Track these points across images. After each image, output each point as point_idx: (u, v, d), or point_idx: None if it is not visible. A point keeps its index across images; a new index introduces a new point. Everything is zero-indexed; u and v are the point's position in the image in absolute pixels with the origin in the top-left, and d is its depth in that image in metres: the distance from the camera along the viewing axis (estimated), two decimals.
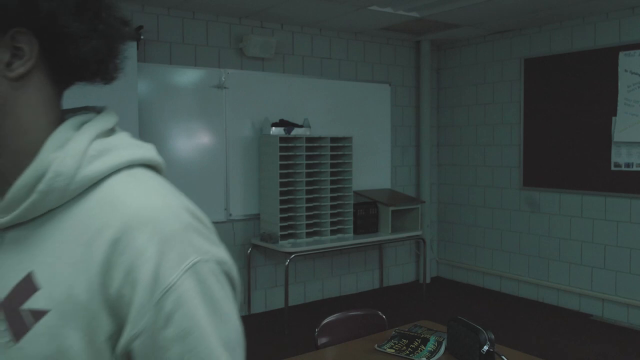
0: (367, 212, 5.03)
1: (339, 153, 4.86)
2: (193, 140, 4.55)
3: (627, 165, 4.45)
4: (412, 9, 4.53)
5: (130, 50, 4.14)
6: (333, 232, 4.80)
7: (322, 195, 4.78)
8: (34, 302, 0.64)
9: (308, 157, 4.66)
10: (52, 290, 0.64)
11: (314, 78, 5.17)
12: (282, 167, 4.53)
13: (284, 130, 4.67)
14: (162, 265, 0.62)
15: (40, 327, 0.64)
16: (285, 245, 4.45)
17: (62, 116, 0.73)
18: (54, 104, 0.72)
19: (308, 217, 4.69)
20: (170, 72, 4.42)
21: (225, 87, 4.64)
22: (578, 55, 4.77)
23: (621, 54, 4.44)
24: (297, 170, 4.66)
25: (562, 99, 4.89)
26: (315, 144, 4.75)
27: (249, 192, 4.80)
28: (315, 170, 4.77)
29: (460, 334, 1.90)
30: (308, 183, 4.67)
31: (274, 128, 4.65)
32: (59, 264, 0.65)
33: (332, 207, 4.78)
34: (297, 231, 4.64)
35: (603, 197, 4.65)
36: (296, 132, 4.70)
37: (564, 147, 4.88)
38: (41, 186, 0.65)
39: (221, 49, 4.66)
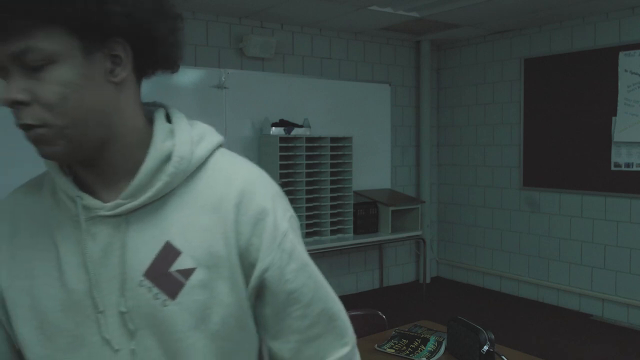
0: (367, 212, 5.03)
1: (339, 153, 4.86)
2: None
3: (627, 165, 4.45)
4: (412, 9, 4.53)
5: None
6: (333, 232, 4.80)
7: (322, 195, 4.78)
8: (181, 264, 0.78)
9: (308, 157, 4.66)
10: (193, 252, 0.79)
11: (314, 78, 5.17)
12: (282, 167, 4.52)
13: (284, 130, 4.67)
14: (277, 217, 0.82)
15: (193, 281, 0.78)
16: None
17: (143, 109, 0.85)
18: (140, 99, 0.84)
19: (308, 217, 4.69)
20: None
21: (225, 87, 4.64)
22: (578, 55, 4.77)
23: (621, 54, 4.44)
24: (297, 170, 4.66)
25: (562, 99, 4.89)
26: (315, 144, 4.75)
27: None
28: (315, 170, 4.77)
29: (460, 334, 1.90)
30: (308, 183, 4.67)
31: (274, 128, 4.65)
32: (191, 231, 0.79)
33: (332, 207, 4.78)
34: None
35: (603, 197, 4.65)
36: (296, 132, 4.70)
37: (564, 147, 4.88)
38: (170, 169, 0.78)
39: (221, 49, 4.66)
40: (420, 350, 1.96)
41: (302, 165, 4.62)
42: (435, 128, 6.07)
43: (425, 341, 2.01)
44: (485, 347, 1.76)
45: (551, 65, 4.97)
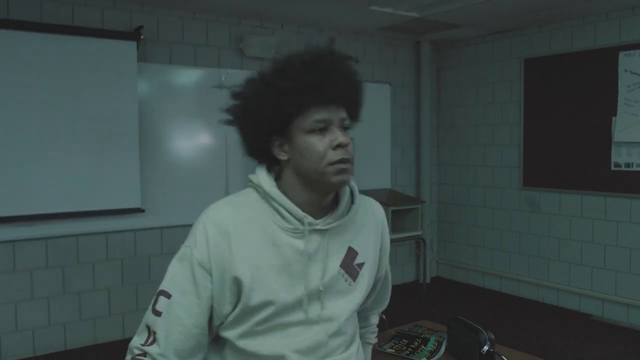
0: None
1: None
2: (193, 140, 4.55)
3: (627, 165, 4.45)
4: (412, 9, 4.53)
5: (130, 50, 4.14)
6: None
7: None
8: (358, 260, 1.33)
9: None
10: (364, 253, 1.34)
11: None
12: None
13: None
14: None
15: (364, 271, 1.34)
16: None
17: None
18: None
19: None
20: (170, 72, 4.42)
21: (225, 87, 4.64)
22: (578, 55, 4.77)
23: (621, 54, 4.44)
24: None
25: (562, 99, 4.88)
26: None
27: None
28: None
29: (460, 334, 1.89)
30: None
31: None
32: (364, 240, 1.36)
33: None
34: None
35: (603, 197, 4.65)
36: None
37: (564, 147, 4.88)
38: (356, 202, 1.35)
39: (221, 48, 4.66)
40: (421, 351, 1.96)
41: None
42: (435, 128, 6.07)
43: (425, 341, 2.01)
44: (486, 347, 1.76)
45: (551, 65, 4.97)
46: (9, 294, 3.86)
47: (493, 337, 1.79)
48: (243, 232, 1.22)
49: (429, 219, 5.88)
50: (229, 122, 1.33)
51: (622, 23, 4.49)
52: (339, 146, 1.21)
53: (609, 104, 4.52)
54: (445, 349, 1.97)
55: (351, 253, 1.31)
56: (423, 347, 1.98)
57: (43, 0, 3.88)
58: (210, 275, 1.19)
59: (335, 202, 1.32)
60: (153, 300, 1.23)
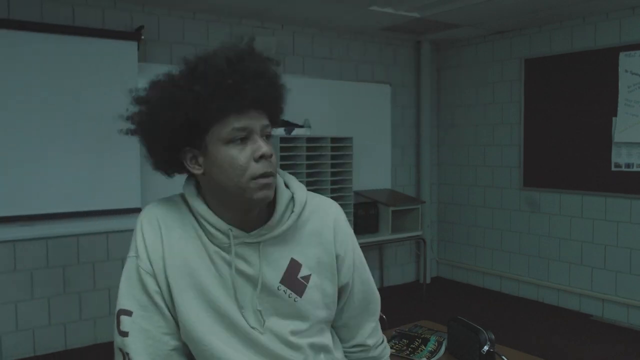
0: (367, 212, 5.03)
1: (339, 153, 4.86)
2: None
3: (628, 165, 4.46)
4: (412, 9, 4.54)
5: (131, 50, 4.15)
6: None
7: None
8: (302, 272, 1.19)
9: (308, 157, 4.66)
10: (308, 263, 1.19)
11: (314, 78, 5.17)
12: (282, 167, 4.52)
13: (285, 130, 4.67)
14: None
15: (311, 284, 1.19)
16: None
17: None
18: None
19: None
20: None
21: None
22: (578, 55, 4.77)
23: (621, 55, 4.45)
24: (298, 171, 4.66)
25: (563, 99, 4.89)
26: (315, 144, 4.75)
27: None
28: (316, 170, 4.77)
29: (460, 334, 1.90)
30: (308, 183, 4.67)
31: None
32: (307, 248, 1.20)
33: None
34: None
35: (603, 198, 4.65)
36: (297, 132, 4.70)
37: (564, 147, 4.89)
38: (296, 210, 1.19)
39: None
40: (421, 350, 1.96)
41: (303, 165, 4.62)
42: (435, 128, 6.07)
43: (425, 341, 2.01)
44: (486, 347, 1.76)
45: (551, 65, 4.98)
46: (9, 294, 3.86)
47: (493, 337, 1.79)
48: (176, 234, 1.16)
49: (429, 219, 5.88)
50: (131, 132, 1.16)
51: (623, 23, 4.49)
52: (262, 157, 1.10)
53: (609, 104, 4.53)
54: (446, 349, 1.97)
55: (294, 266, 1.18)
56: (423, 347, 1.98)
57: (44, 1, 3.88)
58: (156, 279, 1.15)
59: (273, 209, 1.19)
60: (115, 323, 1.18)
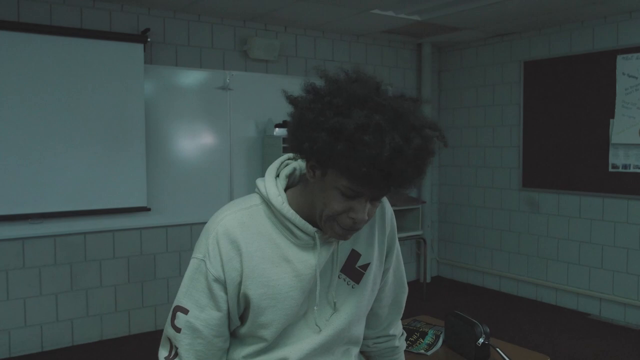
0: None
1: None
2: (197, 141, 4.63)
3: (625, 166, 4.52)
4: (413, 12, 4.59)
5: (137, 52, 4.23)
6: None
7: None
8: (361, 262, 1.30)
9: None
10: (368, 254, 1.31)
11: (316, 80, 5.23)
12: None
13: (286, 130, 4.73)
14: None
15: (368, 272, 1.31)
16: None
17: None
18: None
19: None
20: (176, 74, 4.50)
21: (229, 89, 4.71)
22: (577, 58, 4.83)
23: (619, 57, 4.51)
24: None
25: (561, 101, 4.95)
26: None
27: (252, 192, 4.86)
28: None
29: (457, 327, 1.97)
30: None
31: (277, 129, 4.72)
32: (369, 240, 1.32)
33: None
34: None
35: (601, 198, 4.71)
36: None
37: (562, 149, 4.95)
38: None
39: (226, 51, 4.74)
40: (419, 343, 2.03)
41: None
42: None
43: (423, 334, 2.08)
44: (481, 340, 1.83)
45: (550, 68, 5.04)
46: (18, 290, 3.94)
47: (488, 330, 1.86)
48: (254, 247, 1.20)
49: (430, 219, 5.94)
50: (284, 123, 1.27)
51: (620, 27, 4.56)
52: (354, 221, 1.13)
53: (606, 106, 4.59)
54: (443, 341, 2.04)
55: (354, 256, 1.29)
56: (421, 340, 2.05)
57: (53, 4, 3.97)
58: (226, 288, 1.20)
59: None
60: (170, 315, 1.24)
